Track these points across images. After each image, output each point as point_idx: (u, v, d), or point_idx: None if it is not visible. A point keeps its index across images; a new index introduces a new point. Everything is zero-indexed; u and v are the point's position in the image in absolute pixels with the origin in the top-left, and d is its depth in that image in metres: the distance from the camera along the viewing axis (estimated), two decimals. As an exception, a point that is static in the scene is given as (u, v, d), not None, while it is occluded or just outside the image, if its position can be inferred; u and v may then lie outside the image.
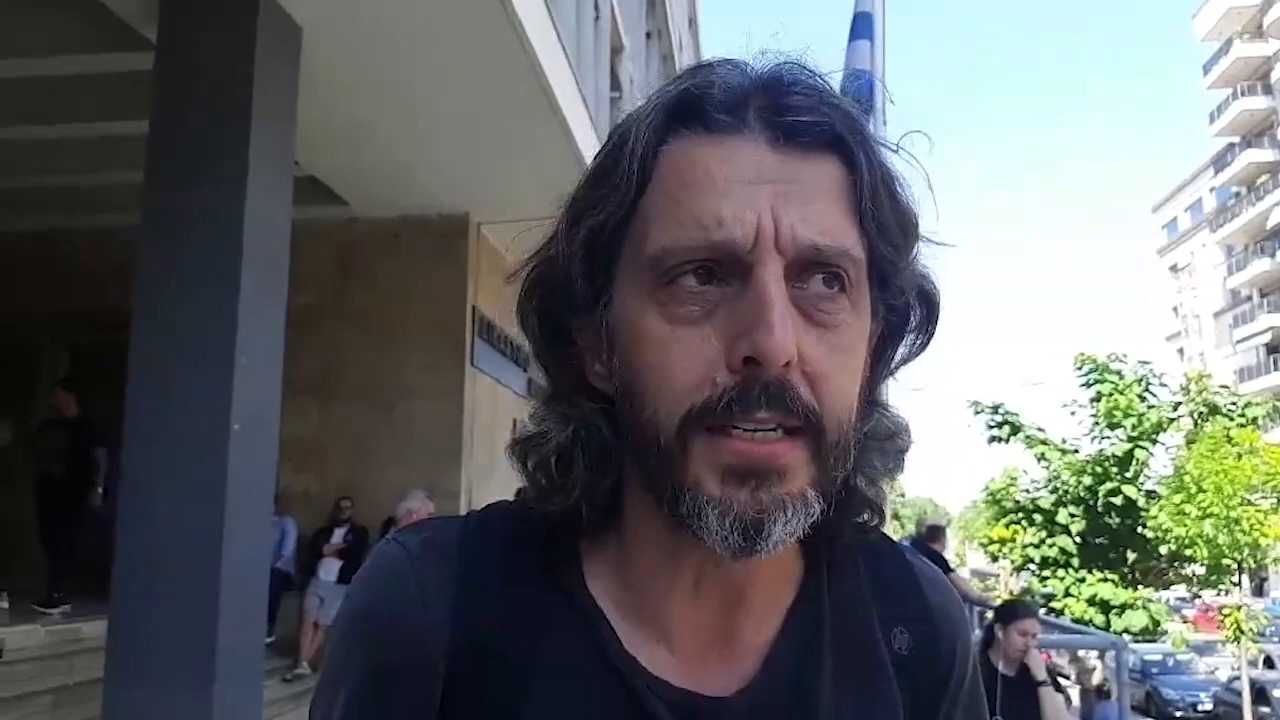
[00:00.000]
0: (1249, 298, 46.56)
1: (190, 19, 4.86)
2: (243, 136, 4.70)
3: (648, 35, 16.51)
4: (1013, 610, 5.24)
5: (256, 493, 4.78)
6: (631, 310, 0.65)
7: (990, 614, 6.05)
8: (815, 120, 0.64)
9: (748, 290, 0.61)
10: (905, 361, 0.74)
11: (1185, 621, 24.23)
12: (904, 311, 0.71)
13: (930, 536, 9.52)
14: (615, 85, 12.33)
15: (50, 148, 7.38)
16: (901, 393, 0.75)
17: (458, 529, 0.73)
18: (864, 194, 0.64)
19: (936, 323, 0.73)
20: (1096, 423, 18.42)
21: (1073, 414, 19.18)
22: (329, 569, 8.28)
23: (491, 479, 9.10)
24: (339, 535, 8.46)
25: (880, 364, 0.73)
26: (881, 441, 0.71)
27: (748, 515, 0.60)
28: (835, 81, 0.67)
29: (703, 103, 0.65)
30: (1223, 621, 17.58)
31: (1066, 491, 18.06)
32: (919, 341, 0.73)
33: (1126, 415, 17.83)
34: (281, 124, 5.06)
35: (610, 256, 0.67)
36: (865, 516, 0.73)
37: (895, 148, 0.68)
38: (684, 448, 0.61)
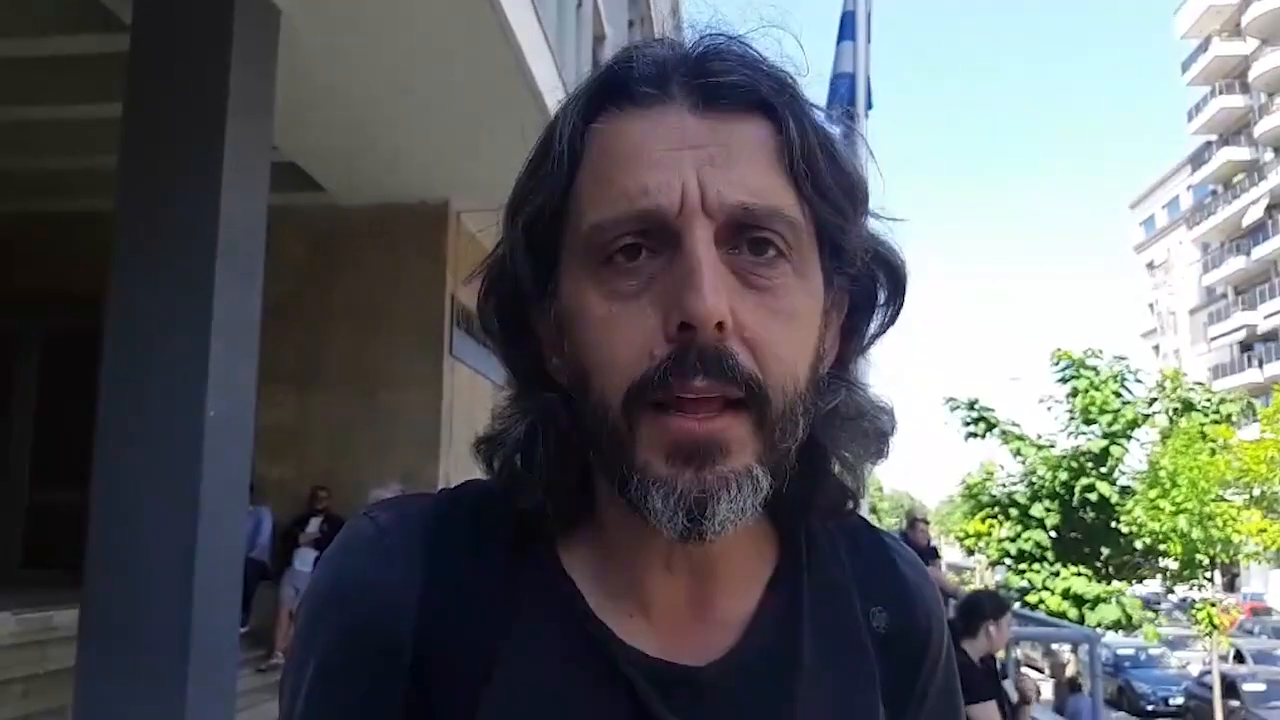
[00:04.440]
0: (1224, 295, 47.05)
1: (167, 1, 4.79)
2: (219, 121, 4.63)
3: (630, 23, 16.46)
4: (1002, 604, 5.17)
5: (231, 481, 4.73)
6: (574, 293, 0.64)
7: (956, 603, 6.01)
8: (738, 82, 0.63)
9: (678, 256, 0.60)
10: (878, 335, 0.73)
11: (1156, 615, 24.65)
12: (867, 283, 0.70)
13: (909, 527, 9.66)
14: (598, 75, 12.28)
15: (24, 130, 7.27)
16: (881, 386, 0.75)
17: (429, 503, 0.73)
18: (795, 154, 0.63)
19: (905, 293, 0.72)
20: (1072, 418, 18.55)
21: (1049, 409, 19.33)
22: (304, 559, 8.24)
23: (470, 468, 9.02)
24: (314, 525, 8.42)
25: (853, 338, 0.72)
26: (851, 420, 0.70)
27: (691, 494, 0.60)
28: (770, 48, 0.66)
29: (627, 78, 0.65)
30: (1195, 616, 17.80)
31: (1042, 486, 18.19)
32: (890, 313, 0.73)
33: (1102, 411, 17.96)
34: (259, 109, 5.00)
35: (552, 243, 0.67)
36: (839, 499, 0.73)
37: (826, 112, 0.68)
38: (630, 428, 0.61)
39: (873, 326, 0.73)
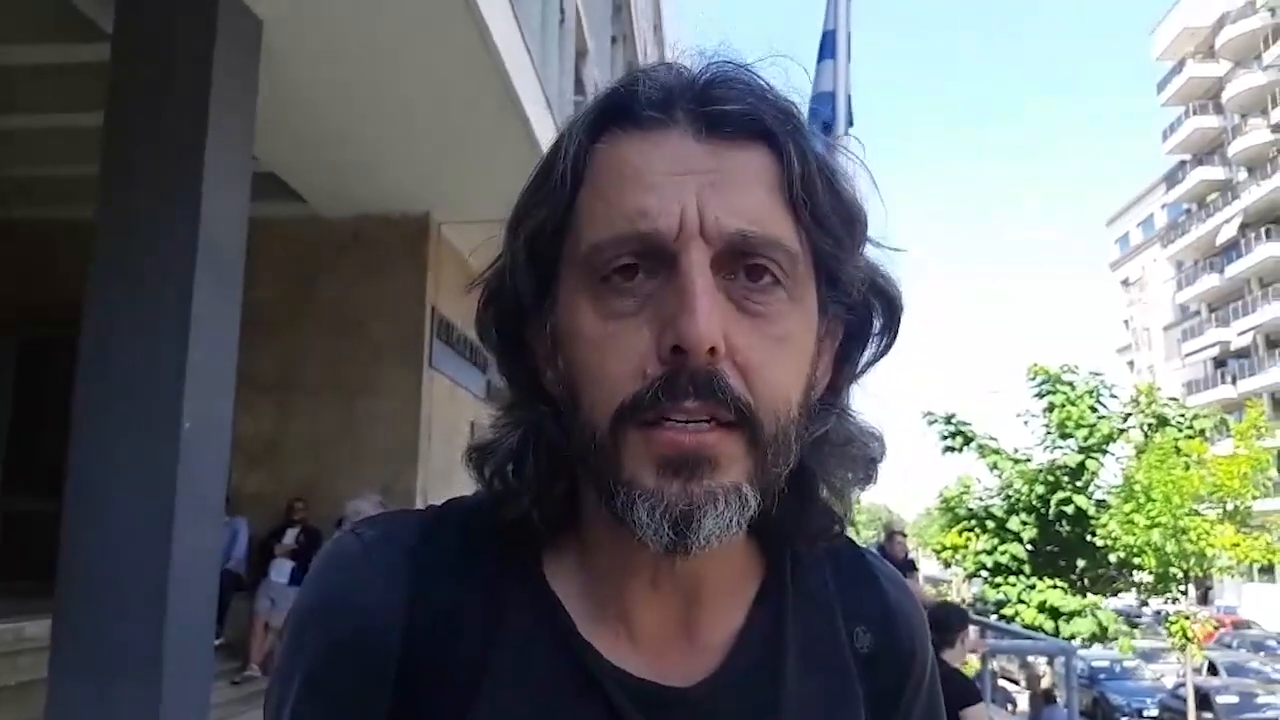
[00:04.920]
0: (1198, 312, 47.54)
1: (148, 10, 4.78)
2: (200, 131, 4.63)
3: (613, 40, 16.52)
4: (966, 616, 5.43)
5: (207, 492, 4.70)
6: (571, 310, 0.65)
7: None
8: (742, 110, 0.64)
9: (674, 279, 0.61)
10: (872, 363, 0.74)
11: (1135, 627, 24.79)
12: (863, 311, 0.71)
13: (887, 539, 9.68)
14: (580, 89, 12.31)
15: (3, 138, 7.22)
16: (853, 400, 0.76)
17: (415, 521, 0.73)
18: (795, 183, 0.64)
19: (899, 323, 0.73)
20: (1049, 432, 18.67)
21: (1026, 424, 19.45)
22: (280, 570, 8.17)
23: (449, 480, 9.04)
24: (291, 536, 8.35)
25: (845, 366, 0.73)
26: (840, 446, 0.71)
27: (678, 507, 0.60)
28: (776, 77, 0.68)
29: (632, 101, 0.66)
30: (1169, 629, 17.92)
31: (1019, 500, 18.28)
32: (884, 342, 0.73)
33: (1078, 426, 18.09)
34: (240, 119, 5.00)
35: (552, 259, 0.68)
36: (825, 524, 0.73)
37: (832, 144, 0.70)
38: (616, 444, 0.62)
39: (866, 355, 0.73)
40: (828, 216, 0.66)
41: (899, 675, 0.78)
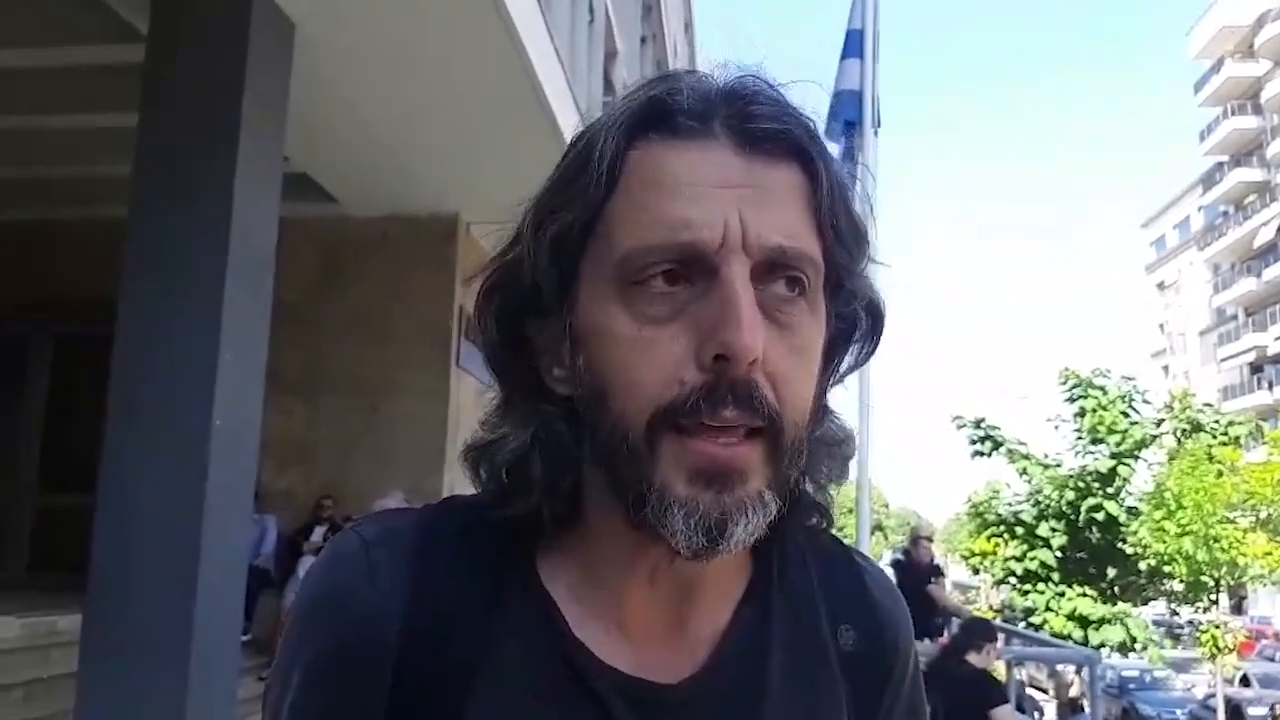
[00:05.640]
0: (1234, 316, 46.92)
1: (183, 12, 4.84)
2: (233, 132, 4.68)
3: (642, 40, 16.52)
4: (994, 630, 5.82)
5: (237, 490, 4.75)
6: (598, 311, 0.66)
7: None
8: (779, 129, 0.66)
9: (716, 289, 0.62)
10: (852, 369, 0.76)
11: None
12: (851, 320, 0.73)
13: (912, 544, 9.59)
14: (609, 89, 12.34)
15: (39, 138, 7.34)
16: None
17: (414, 518, 0.75)
18: (823, 201, 0.67)
19: (882, 332, 0.75)
20: (1080, 437, 18.51)
21: (1056, 428, 19.29)
22: (308, 567, 8.24)
23: (475, 480, 9.07)
24: (319, 534, 8.43)
25: (828, 371, 0.74)
26: (830, 447, 0.73)
27: (712, 516, 0.62)
28: (796, 95, 0.69)
29: (670, 109, 0.67)
30: (1200, 639, 17.71)
31: (1048, 506, 18.14)
32: (865, 350, 0.75)
33: (1110, 431, 17.92)
34: (272, 120, 5.05)
35: (575, 258, 0.68)
36: (814, 519, 0.75)
37: (853, 161, 0.72)
38: (652, 448, 0.63)
39: (849, 359, 0.75)
40: (845, 232, 0.69)
41: (882, 672, 0.79)
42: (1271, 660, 23.75)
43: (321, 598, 0.70)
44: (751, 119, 0.66)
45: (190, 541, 4.34)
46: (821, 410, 0.73)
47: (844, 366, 0.76)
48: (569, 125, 7.22)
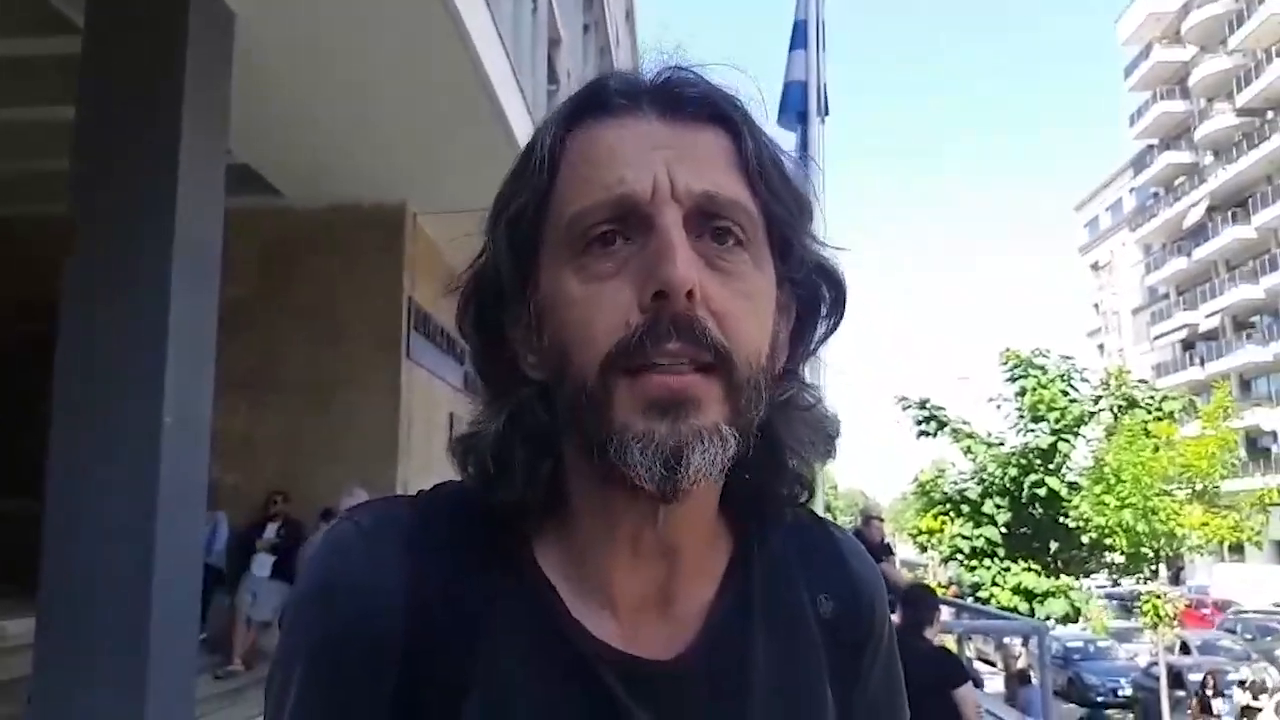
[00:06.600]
0: (1166, 295, 48.07)
1: (119, 2, 4.74)
2: (174, 124, 4.60)
3: (585, 28, 16.46)
4: (935, 595, 5.70)
5: (189, 488, 4.69)
6: (553, 281, 0.70)
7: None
8: (700, 95, 0.72)
9: (652, 237, 0.67)
10: (824, 340, 0.80)
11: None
12: (812, 288, 0.77)
13: (863, 524, 9.72)
14: (553, 77, 12.27)
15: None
16: (834, 385, 0.81)
17: (408, 505, 0.76)
18: (749, 159, 0.72)
19: (845, 301, 0.79)
20: (1021, 416, 18.85)
21: (998, 408, 19.63)
22: (262, 564, 8.14)
23: (429, 472, 9.02)
24: (271, 530, 8.32)
25: (800, 343, 0.78)
26: (803, 411, 0.76)
27: (668, 445, 0.64)
28: (718, 77, 0.75)
29: (602, 93, 0.73)
30: (1141, 608, 18.17)
31: (992, 483, 18.45)
32: (833, 320, 0.79)
33: (1050, 409, 18.26)
34: (214, 111, 4.97)
35: (533, 242, 0.73)
36: (793, 489, 0.78)
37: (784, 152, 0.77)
38: (608, 392, 0.66)
39: (818, 333, 0.79)
40: (780, 190, 0.73)
41: (859, 636, 0.83)
42: (1233, 632, 23.70)
43: (323, 586, 0.71)
44: (675, 90, 0.72)
45: (144, 541, 4.28)
46: (790, 375, 0.77)
47: (816, 337, 0.79)
48: (515, 113, 7.19)
